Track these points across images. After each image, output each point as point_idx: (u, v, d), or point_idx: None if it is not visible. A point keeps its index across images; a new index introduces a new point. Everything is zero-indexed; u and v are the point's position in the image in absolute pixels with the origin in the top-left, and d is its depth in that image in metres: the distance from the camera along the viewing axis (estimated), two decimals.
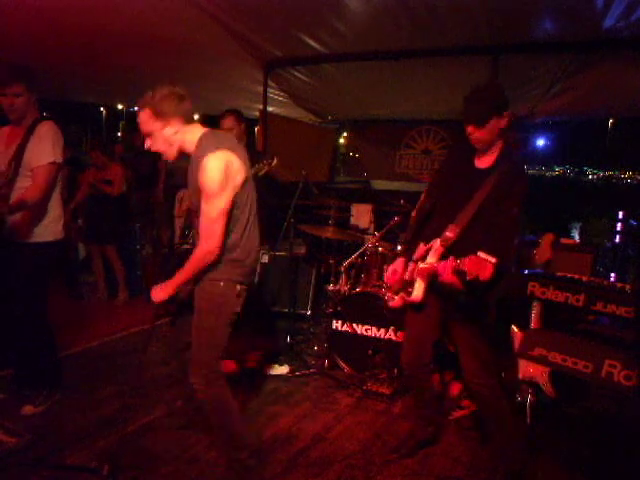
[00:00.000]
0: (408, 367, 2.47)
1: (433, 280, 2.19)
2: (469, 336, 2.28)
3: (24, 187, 2.60)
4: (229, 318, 2.13)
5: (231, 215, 2.04)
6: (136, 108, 1.99)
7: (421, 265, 2.22)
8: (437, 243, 2.19)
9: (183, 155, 2.06)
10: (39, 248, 2.69)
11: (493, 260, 1.86)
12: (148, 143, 2.02)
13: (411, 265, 2.32)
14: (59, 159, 2.67)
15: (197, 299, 2.14)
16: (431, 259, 2.19)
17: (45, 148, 2.61)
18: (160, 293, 2.11)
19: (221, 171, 1.93)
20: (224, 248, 2.05)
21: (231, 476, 2.23)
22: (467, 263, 1.90)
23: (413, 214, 2.52)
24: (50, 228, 2.73)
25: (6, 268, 2.67)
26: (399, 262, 2.40)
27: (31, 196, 2.58)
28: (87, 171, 4.90)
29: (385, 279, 2.46)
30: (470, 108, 2.08)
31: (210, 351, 2.12)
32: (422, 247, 2.29)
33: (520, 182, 2.12)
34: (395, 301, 2.41)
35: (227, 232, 2.04)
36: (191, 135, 2.02)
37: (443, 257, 2.14)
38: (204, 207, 1.97)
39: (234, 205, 2.03)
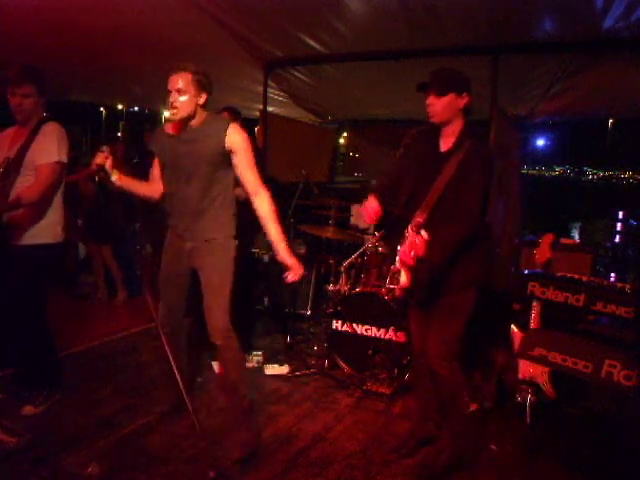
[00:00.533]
0: (418, 354, 2.53)
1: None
2: (437, 317, 2.31)
3: (25, 187, 2.59)
4: None
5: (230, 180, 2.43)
6: (172, 74, 2.27)
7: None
8: (409, 230, 2.21)
9: (181, 122, 2.35)
10: (39, 249, 2.67)
11: (425, 236, 2.01)
12: (174, 97, 2.26)
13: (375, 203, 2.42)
14: (64, 159, 2.65)
15: (211, 257, 2.40)
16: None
17: (50, 147, 2.60)
18: (298, 269, 2.42)
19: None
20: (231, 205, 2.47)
21: (236, 416, 2.53)
22: (409, 245, 2.02)
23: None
24: (50, 230, 2.72)
25: (6, 269, 2.67)
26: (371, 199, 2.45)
27: (31, 193, 2.56)
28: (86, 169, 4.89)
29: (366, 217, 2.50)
30: (434, 79, 2.19)
31: (227, 303, 2.40)
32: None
33: (483, 158, 2.21)
34: (396, 291, 2.42)
35: (230, 197, 2.46)
36: (202, 113, 2.37)
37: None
38: (248, 161, 2.35)
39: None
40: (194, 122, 2.35)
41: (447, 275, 2.22)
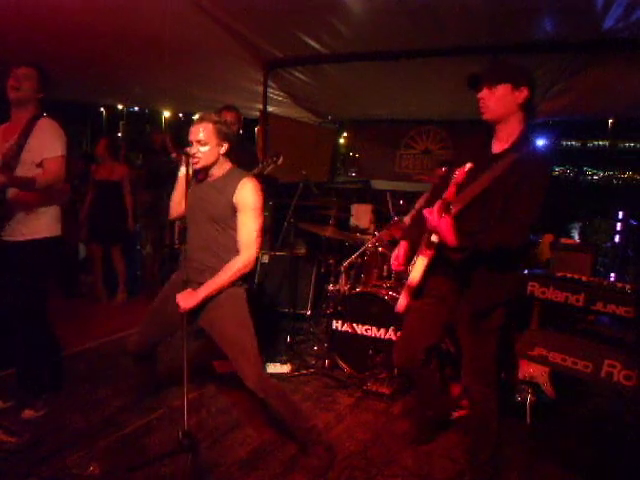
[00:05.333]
0: (398, 362, 2.39)
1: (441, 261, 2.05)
2: (474, 341, 2.15)
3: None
4: None
5: None
6: (195, 117, 2.36)
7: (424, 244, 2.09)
8: (434, 209, 2.02)
9: (203, 170, 2.33)
10: (41, 244, 2.65)
11: (450, 217, 1.81)
12: (194, 150, 2.25)
13: (403, 247, 2.28)
14: (65, 152, 2.65)
15: (225, 306, 2.31)
16: (435, 238, 2.01)
17: (53, 142, 2.60)
18: (190, 300, 2.24)
19: (260, 193, 2.29)
20: None
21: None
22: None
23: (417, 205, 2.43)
24: (51, 225, 2.70)
25: (5, 266, 2.64)
26: (402, 244, 2.29)
27: (44, 179, 2.53)
28: (93, 168, 4.91)
29: (392, 262, 2.32)
30: (487, 69, 1.99)
31: (254, 347, 2.31)
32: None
33: (541, 168, 1.95)
34: (400, 304, 2.29)
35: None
36: (225, 163, 2.35)
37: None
38: (248, 220, 2.26)
39: None
40: (215, 172, 2.33)
41: (482, 296, 2.05)
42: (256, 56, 4.62)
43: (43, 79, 2.66)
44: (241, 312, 2.34)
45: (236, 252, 2.29)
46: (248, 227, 2.27)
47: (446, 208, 1.87)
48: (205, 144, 2.25)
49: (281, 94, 5.81)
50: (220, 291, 2.27)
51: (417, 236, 2.21)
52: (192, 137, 2.27)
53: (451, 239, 1.84)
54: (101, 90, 6.73)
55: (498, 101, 1.92)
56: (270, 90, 5.34)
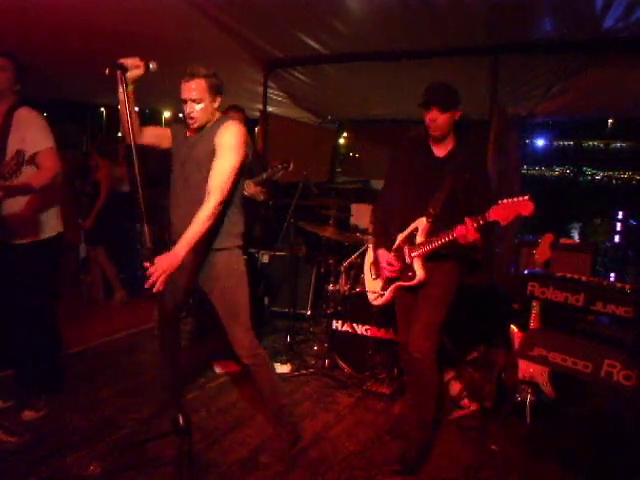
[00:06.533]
0: (406, 347, 2.56)
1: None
2: (428, 305, 2.37)
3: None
4: None
5: (238, 187, 2.30)
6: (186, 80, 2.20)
7: (418, 250, 2.33)
8: (423, 221, 2.32)
9: (199, 128, 2.28)
10: (42, 245, 2.63)
11: (527, 196, 1.99)
12: (189, 109, 2.21)
13: (391, 254, 2.44)
14: (53, 144, 2.57)
15: (223, 273, 2.32)
16: (421, 238, 2.32)
17: (39, 134, 2.52)
18: (170, 261, 2.01)
19: (240, 134, 2.22)
20: (239, 218, 2.35)
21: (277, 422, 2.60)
22: (493, 214, 2.05)
23: (375, 209, 2.74)
24: (52, 223, 2.68)
25: (7, 269, 2.62)
26: (385, 253, 2.49)
27: (41, 180, 2.46)
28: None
29: (384, 274, 2.53)
30: (436, 94, 2.31)
31: (246, 320, 2.35)
32: (401, 235, 2.42)
33: (482, 163, 2.58)
34: (385, 297, 2.54)
35: (236, 204, 2.33)
36: (216, 113, 2.31)
37: (432, 232, 2.30)
38: (218, 163, 2.16)
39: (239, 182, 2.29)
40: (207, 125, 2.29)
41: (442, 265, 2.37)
42: (256, 56, 4.62)
43: (18, 70, 2.59)
44: (238, 278, 2.36)
45: (232, 202, 2.26)
46: (220, 167, 2.15)
47: (479, 225, 2.12)
48: (200, 101, 2.19)
49: (281, 94, 5.81)
50: (195, 242, 2.10)
51: (388, 239, 2.51)
52: (185, 95, 2.19)
53: (481, 244, 2.22)
54: (101, 90, 6.72)
55: (446, 122, 2.32)
56: (270, 90, 5.34)
